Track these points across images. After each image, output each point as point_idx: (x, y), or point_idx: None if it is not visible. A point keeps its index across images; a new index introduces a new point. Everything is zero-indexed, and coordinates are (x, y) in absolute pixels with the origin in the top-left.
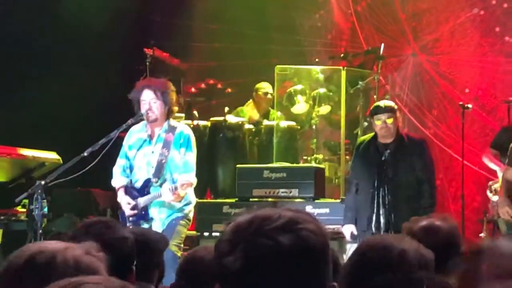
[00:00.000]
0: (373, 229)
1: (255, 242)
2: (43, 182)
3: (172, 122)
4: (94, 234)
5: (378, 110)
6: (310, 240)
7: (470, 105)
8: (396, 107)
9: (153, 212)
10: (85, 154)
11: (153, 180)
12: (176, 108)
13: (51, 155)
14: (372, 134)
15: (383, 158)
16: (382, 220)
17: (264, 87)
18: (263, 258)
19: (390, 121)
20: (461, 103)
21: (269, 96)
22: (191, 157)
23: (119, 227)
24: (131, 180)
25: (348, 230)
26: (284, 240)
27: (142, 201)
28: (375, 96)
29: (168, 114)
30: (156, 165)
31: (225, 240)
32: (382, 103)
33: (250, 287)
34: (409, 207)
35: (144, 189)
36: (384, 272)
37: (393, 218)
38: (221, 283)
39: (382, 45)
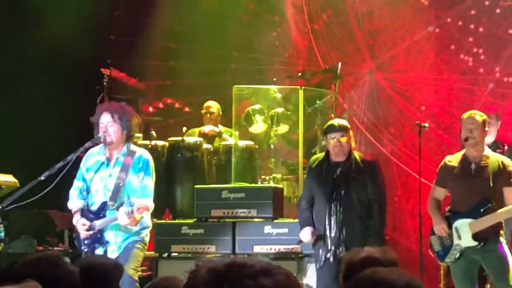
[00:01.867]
0: (325, 245)
1: (241, 283)
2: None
3: (132, 146)
4: (37, 271)
5: (332, 129)
6: (287, 283)
7: (426, 124)
8: (348, 126)
9: (108, 235)
10: (42, 177)
11: (110, 203)
12: (136, 132)
13: (8, 178)
14: (323, 153)
15: (335, 176)
16: (333, 236)
17: (205, 106)
18: None
19: (343, 139)
20: (417, 122)
21: (209, 115)
22: (150, 181)
23: (63, 262)
24: (87, 203)
25: (307, 231)
26: (266, 282)
27: (98, 224)
28: (332, 115)
29: (127, 139)
30: (113, 188)
31: (205, 283)
32: (336, 121)
33: None
34: (361, 225)
35: (100, 212)
36: None
37: (343, 236)
38: None
39: (340, 64)
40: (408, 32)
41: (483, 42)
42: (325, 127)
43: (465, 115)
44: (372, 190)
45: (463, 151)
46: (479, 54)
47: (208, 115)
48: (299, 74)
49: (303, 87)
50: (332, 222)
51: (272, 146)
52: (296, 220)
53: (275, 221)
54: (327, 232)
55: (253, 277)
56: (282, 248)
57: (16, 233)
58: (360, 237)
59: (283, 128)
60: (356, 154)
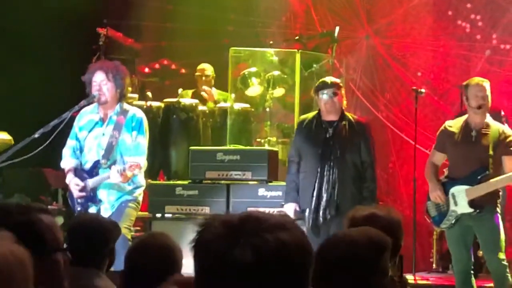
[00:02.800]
0: (313, 206)
1: (259, 236)
2: None
3: (125, 105)
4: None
5: (324, 86)
6: (302, 238)
7: (423, 90)
8: (341, 84)
9: (102, 194)
10: (37, 135)
11: (102, 161)
12: (129, 90)
13: (3, 135)
14: (315, 112)
15: (327, 135)
16: (324, 197)
17: (199, 68)
18: (271, 251)
19: (335, 96)
20: (414, 88)
21: (204, 78)
22: (143, 140)
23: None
24: (80, 162)
25: (291, 208)
26: (284, 237)
27: (90, 182)
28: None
29: (120, 98)
30: (106, 146)
31: (219, 236)
32: (328, 79)
33: (259, 279)
34: (354, 187)
35: (93, 171)
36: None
37: (335, 196)
38: (223, 276)
39: (337, 28)
40: None
41: (481, 9)
42: (316, 84)
43: (472, 82)
44: (365, 153)
45: (464, 116)
46: (476, 20)
47: (203, 78)
48: (296, 37)
49: (300, 51)
50: (324, 183)
51: (267, 109)
52: None
53: (270, 184)
54: (315, 193)
55: (271, 230)
56: (276, 210)
57: (10, 191)
58: (351, 200)
59: (279, 92)
60: (348, 114)
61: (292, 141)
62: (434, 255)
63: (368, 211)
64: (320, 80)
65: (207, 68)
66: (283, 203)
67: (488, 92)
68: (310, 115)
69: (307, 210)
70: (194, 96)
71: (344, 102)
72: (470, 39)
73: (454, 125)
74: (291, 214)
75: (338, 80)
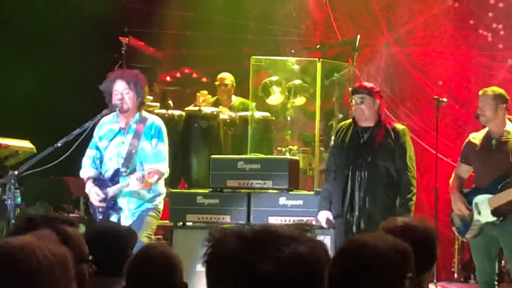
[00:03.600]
0: (347, 213)
1: (276, 250)
2: (16, 172)
3: (144, 113)
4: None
5: (353, 91)
6: (319, 251)
7: (445, 99)
8: (374, 89)
9: (122, 202)
10: (59, 144)
11: (122, 170)
12: (149, 100)
13: (25, 144)
14: (351, 119)
15: (361, 141)
16: (357, 204)
17: (219, 78)
18: (295, 262)
19: (363, 103)
20: (435, 96)
21: (223, 87)
22: (163, 147)
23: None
24: (100, 172)
25: (324, 216)
26: (302, 249)
27: (111, 191)
28: (350, 88)
29: (140, 106)
30: (126, 155)
31: (235, 250)
32: (358, 84)
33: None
34: (386, 195)
35: (114, 179)
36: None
37: (367, 204)
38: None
39: (358, 36)
40: (426, 6)
41: (503, 18)
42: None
43: (480, 93)
44: (400, 159)
45: (487, 128)
46: (498, 29)
47: (223, 87)
48: (317, 46)
49: (320, 59)
50: (356, 188)
51: (288, 118)
52: (312, 192)
53: (290, 192)
54: (347, 199)
55: (287, 243)
56: (296, 219)
57: (32, 199)
58: (383, 208)
59: (300, 100)
60: (386, 120)
61: (330, 150)
62: (455, 265)
63: (402, 221)
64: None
65: (227, 77)
66: (317, 211)
67: (485, 102)
68: (347, 122)
69: (339, 218)
70: (214, 104)
71: (377, 106)
72: (491, 48)
73: (477, 136)
74: (323, 222)
75: (367, 85)
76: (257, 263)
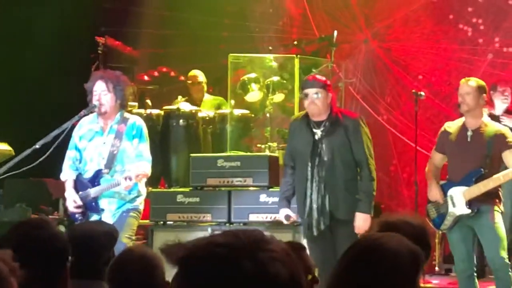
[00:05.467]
0: (306, 215)
1: (258, 252)
2: None
3: (125, 113)
4: (21, 234)
5: (305, 84)
6: (286, 253)
7: (423, 93)
8: (327, 82)
9: (103, 203)
10: (37, 146)
11: (104, 171)
12: (130, 99)
13: (3, 146)
14: (304, 111)
15: (315, 138)
16: (314, 205)
17: (191, 75)
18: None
19: (317, 97)
20: (414, 90)
21: (197, 84)
22: (145, 147)
23: (48, 225)
24: (80, 172)
25: (283, 214)
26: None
27: (93, 191)
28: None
29: (121, 107)
30: (108, 155)
31: (213, 256)
32: (311, 77)
33: None
34: (347, 191)
35: (95, 180)
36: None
37: (327, 203)
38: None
39: (335, 32)
40: (406, 1)
41: (483, 13)
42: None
43: (461, 82)
44: (358, 150)
45: (463, 118)
46: (478, 24)
47: (196, 84)
48: (295, 42)
49: (298, 56)
50: (314, 191)
51: (267, 115)
52: None
53: (271, 189)
54: (307, 202)
55: (261, 247)
56: (277, 216)
57: (11, 201)
58: (344, 204)
59: (278, 97)
60: (338, 111)
61: (286, 144)
62: (437, 258)
63: (398, 218)
64: (304, 79)
65: (198, 75)
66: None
67: (467, 91)
68: (300, 115)
69: (302, 221)
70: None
71: (329, 100)
72: (472, 43)
73: (453, 126)
74: (283, 219)
75: (321, 78)
76: (235, 265)
